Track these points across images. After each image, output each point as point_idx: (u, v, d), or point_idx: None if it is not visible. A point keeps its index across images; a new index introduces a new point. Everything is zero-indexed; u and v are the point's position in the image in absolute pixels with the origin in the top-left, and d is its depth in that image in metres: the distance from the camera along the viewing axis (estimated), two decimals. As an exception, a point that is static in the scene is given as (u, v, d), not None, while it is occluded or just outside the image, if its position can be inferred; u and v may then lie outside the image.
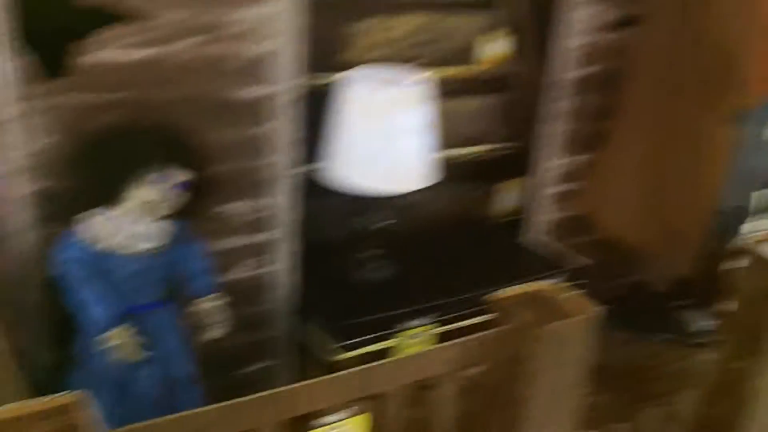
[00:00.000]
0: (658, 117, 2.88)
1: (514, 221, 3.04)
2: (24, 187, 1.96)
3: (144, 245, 1.90)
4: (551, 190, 2.98)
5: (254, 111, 2.19)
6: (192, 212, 1.96)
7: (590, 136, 2.98)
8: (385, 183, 2.22)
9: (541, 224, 3.01)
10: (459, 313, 2.36)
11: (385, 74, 2.26)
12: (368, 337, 2.22)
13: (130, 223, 1.88)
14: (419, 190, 2.29)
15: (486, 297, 1.55)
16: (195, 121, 2.06)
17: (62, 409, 1.13)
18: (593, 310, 1.51)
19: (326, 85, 2.35)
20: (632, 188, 2.97)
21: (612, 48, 2.88)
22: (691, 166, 2.83)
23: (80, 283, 1.86)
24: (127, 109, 2.00)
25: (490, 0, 2.66)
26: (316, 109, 2.32)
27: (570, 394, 1.56)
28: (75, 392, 1.16)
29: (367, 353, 2.22)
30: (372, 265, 2.41)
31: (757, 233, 2.20)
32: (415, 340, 2.30)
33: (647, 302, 3.33)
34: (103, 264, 1.88)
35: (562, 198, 3.02)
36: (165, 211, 1.89)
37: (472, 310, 2.34)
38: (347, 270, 2.39)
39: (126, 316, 1.90)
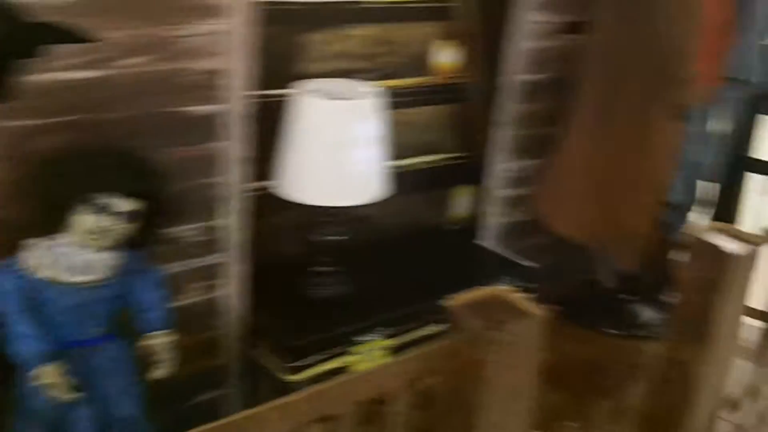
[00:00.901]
0: (606, 118, 2.93)
1: (469, 228, 3.07)
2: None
3: (85, 277, 1.81)
4: (503, 194, 3.01)
5: (204, 129, 2.17)
6: (142, 242, 1.89)
7: (540, 141, 3.02)
8: (339, 196, 2.22)
9: (495, 229, 3.05)
10: (413, 324, 2.37)
11: (337, 87, 2.26)
12: (322, 355, 2.21)
13: (71, 253, 1.80)
14: (374, 202, 2.30)
15: (439, 305, 1.57)
16: (143, 141, 2.02)
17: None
18: (542, 311, 1.53)
19: (279, 99, 2.35)
20: (581, 188, 3.02)
21: (560, 53, 2.94)
22: (639, 164, 2.89)
23: (14, 315, 1.77)
24: (74, 131, 1.95)
25: (442, 10, 2.68)
26: (268, 124, 2.31)
27: (524, 395, 1.58)
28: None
29: (323, 372, 2.21)
30: (326, 280, 2.40)
31: (700, 225, 2.27)
32: (371, 355, 2.30)
33: (598, 299, 3.38)
34: (41, 295, 1.79)
35: (515, 202, 3.06)
36: (109, 242, 1.81)
37: (427, 319, 2.36)
38: (300, 287, 2.39)
39: (64, 352, 1.81)
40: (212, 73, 2.15)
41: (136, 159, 1.84)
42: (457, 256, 2.85)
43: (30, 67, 1.89)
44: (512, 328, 1.46)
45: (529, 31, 2.79)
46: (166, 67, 2.08)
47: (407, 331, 2.38)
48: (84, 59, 1.96)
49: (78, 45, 1.86)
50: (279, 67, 2.38)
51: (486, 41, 2.83)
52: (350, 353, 2.27)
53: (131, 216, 1.81)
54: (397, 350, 2.34)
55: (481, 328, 1.46)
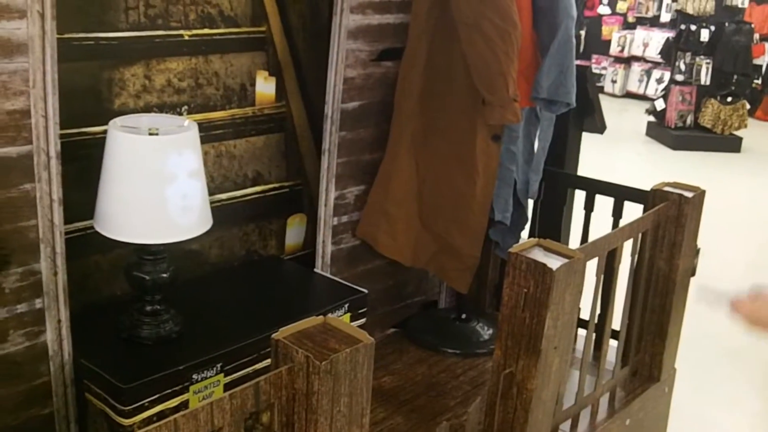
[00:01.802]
0: (427, 141, 3.01)
1: (303, 256, 3.06)
2: None
3: None
4: (334, 221, 3.03)
5: (16, 170, 2.07)
6: None
7: (366, 167, 3.06)
8: (161, 233, 2.16)
9: (329, 256, 3.05)
10: (247, 359, 2.34)
11: (153, 121, 2.21)
12: (154, 396, 2.14)
13: None
14: (200, 236, 2.25)
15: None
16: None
17: None
18: (368, 338, 1.53)
19: (94, 137, 2.28)
20: (407, 211, 3.08)
21: (378, 80, 2.99)
22: (462, 184, 2.97)
23: None
24: None
25: (260, 41, 2.68)
26: (86, 163, 2.23)
27: (358, 423, 1.58)
28: None
29: (158, 413, 2.14)
30: (155, 319, 2.33)
31: (523, 241, 2.35)
32: (209, 392, 2.25)
33: (436, 319, 3.45)
34: None
35: (346, 228, 3.08)
36: None
37: (260, 353, 2.33)
38: (129, 327, 2.30)
39: None
40: (15, 113, 2.06)
41: None
42: (292, 286, 2.84)
43: None
44: (338, 357, 1.46)
45: (346, 59, 2.83)
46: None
47: (242, 366, 2.33)
48: None
49: None
50: (91, 103, 2.31)
51: (306, 70, 2.86)
52: (187, 392, 2.21)
53: None
54: (237, 385, 2.29)
55: (307, 360, 1.45)
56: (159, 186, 2.11)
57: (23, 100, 2.07)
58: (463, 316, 3.38)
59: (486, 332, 3.33)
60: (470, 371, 3.10)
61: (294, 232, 3.04)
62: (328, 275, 2.96)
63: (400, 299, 3.43)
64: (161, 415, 2.14)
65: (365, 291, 2.70)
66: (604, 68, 12.45)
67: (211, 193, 2.35)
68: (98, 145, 2.16)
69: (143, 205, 2.11)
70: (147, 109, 2.43)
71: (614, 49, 12.38)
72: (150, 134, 2.13)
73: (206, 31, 2.53)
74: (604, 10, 12.63)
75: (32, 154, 2.12)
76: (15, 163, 2.09)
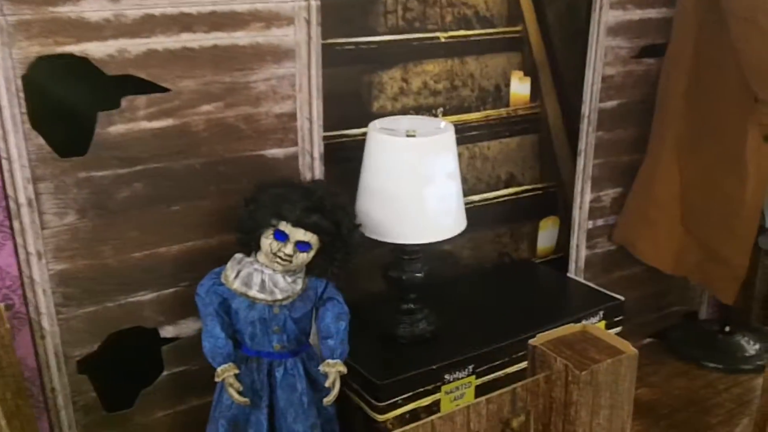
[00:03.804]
0: (693, 141, 2.84)
1: (556, 260, 3.00)
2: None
3: (267, 295, 1.97)
4: (589, 225, 2.94)
5: (277, 172, 2.18)
6: (323, 272, 2.03)
7: (624, 168, 2.94)
8: (420, 233, 2.18)
9: (583, 261, 2.97)
10: (499, 362, 2.31)
11: (412, 123, 2.24)
12: (408, 394, 2.17)
13: (258, 272, 1.98)
14: (454, 237, 2.25)
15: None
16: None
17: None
18: (631, 349, 1.45)
19: (352, 139, 2.36)
20: (670, 216, 2.92)
21: (639, 78, 2.87)
22: (731, 188, 2.77)
23: (209, 315, 1.98)
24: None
25: (516, 41, 2.65)
26: (343, 165, 2.31)
27: (618, 437, 1.50)
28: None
29: (410, 411, 2.17)
30: (409, 318, 2.34)
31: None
32: (456, 393, 2.25)
33: (697, 331, 3.25)
34: (233, 304, 1.98)
35: (602, 232, 2.98)
36: (290, 267, 1.96)
37: (512, 357, 2.30)
38: (384, 326, 2.34)
39: (248, 359, 2.02)
40: (285, 116, 2.17)
41: (317, 196, 1.96)
42: (545, 290, 2.78)
43: (112, 119, 1.96)
44: (599, 367, 1.39)
45: (605, 57, 2.74)
46: (242, 113, 2.12)
47: (497, 368, 2.31)
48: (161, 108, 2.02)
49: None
50: (352, 106, 2.38)
51: (562, 70, 2.78)
52: (439, 392, 2.22)
53: (305, 246, 1.95)
54: (488, 388, 2.28)
55: (566, 369, 1.39)
56: (417, 187, 2.13)
57: (290, 103, 2.17)
58: (727, 328, 3.16)
59: (752, 347, 3.09)
60: (734, 388, 2.89)
61: (546, 235, 2.97)
62: (582, 280, 2.87)
63: (658, 308, 3.26)
64: (413, 414, 2.16)
65: (622, 298, 2.58)
66: None
67: (464, 195, 2.35)
68: (359, 146, 2.22)
69: (401, 205, 2.14)
70: (404, 111, 2.47)
71: None
72: (408, 136, 2.15)
73: (462, 32, 2.53)
74: None
75: (297, 156, 2.23)
76: (282, 164, 2.20)
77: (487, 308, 2.57)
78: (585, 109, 2.77)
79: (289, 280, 1.99)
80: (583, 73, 2.75)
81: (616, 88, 2.82)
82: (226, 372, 1.95)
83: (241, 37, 2.08)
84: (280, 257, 1.94)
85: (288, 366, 2.04)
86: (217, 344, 1.96)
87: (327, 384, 2.00)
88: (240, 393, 1.96)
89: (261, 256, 1.98)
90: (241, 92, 2.12)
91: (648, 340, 3.20)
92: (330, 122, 2.30)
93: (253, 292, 1.97)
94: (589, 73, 2.73)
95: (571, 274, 2.92)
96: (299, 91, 2.18)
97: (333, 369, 2.00)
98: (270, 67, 2.13)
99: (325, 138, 2.29)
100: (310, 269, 2.02)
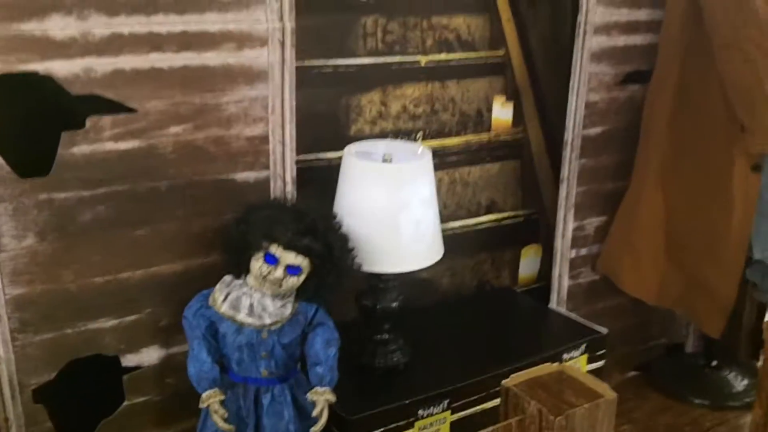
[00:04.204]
0: (678, 169, 2.79)
1: (537, 289, 2.93)
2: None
3: (255, 319, 1.91)
4: (572, 254, 2.88)
5: (247, 196, 2.11)
6: (313, 296, 1.97)
7: (608, 196, 2.89)
8: (395, 262, 2.11)
9: (565, 291, 2.90)
10: (475, 397, 2.23)
11: (388, 148, 2.18)
12: (379, 430, 2.09)
13: (247, 295, 1.93)
14: (432, 264, 2.18)
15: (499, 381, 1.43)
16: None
17: None
18: (610, 392, 1.37)
19: (327, 162, 2.31)
20: (655, 245, 2.86)
21: (623, 105, 2.83)
22: (717, 217, 2.71)
23: (195, 339, 1.92)
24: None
25: (498, 65, 2.59)
26: (316, 188, 2.24)
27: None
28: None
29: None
30: (382, 348, 2.27)
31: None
32: (430, 430, 2.17)
33: (683, 365, 3.18)
34: (220, 328, 1.92)
35: (583, 262, 2.92)
36: (280, 290, 1.90)
37: (488, 392, 2.22)
38: (356, 356, 2.27)
39: (234, 384, 1.95)
40: (257, 138, 2.12)
41: (310, 218, 1.91)
42: (526, 321, 2.71)
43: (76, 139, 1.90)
44: (575, 412, 1.31)
45: (589, 83, 2.70)
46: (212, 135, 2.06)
47: (473, 403, 2.23)
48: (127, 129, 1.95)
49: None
50: (328, 129, 2.32)
51: (545, 95, 2.73)
52: (412, 428, 2.14)
53: (295, 270, 1.89)
54: (463, 424, 2.20)
55: (539, 412, 1.31)
56: (392, 214, 2.07)
57: (262, 126, 2.12)
58: (714, 363, 3.09)
59: (740, 383, 3.02)
60: (721, 426, 2.82)
61: (528, 263, 2.91)
62: (564, 312, 2.80)
63: (642, 341, 3.19)
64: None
65: (605, 331, 2.51)
66: None
67: (443, 221, 2.28)
68: (334, 169, 2.15)
69: (376, 232, 2.07)
70: (382, 135, 2.41)
71: None
72: (384, 161, 2.09)
73: (443, 56, 2.48)
74: None
75: (269, 179, 2.17)
76: (252, 188, 2.14)
77: (464, 339, 2.50)
78: (568, 136, 2.72)
79: (279, 304, 1.93)
80: (566, 98, 2.69)
81: (599, 115, 2.77)
82: (211, 398, 1.88)
83: (211, 58, 2.01)
84: (268, 280, 1.88)
85: (275, 393, 1.98)
86: (203, 368, 1.89)
87: (314, 413, 1.93)
88: (225, 420, 1.88)
89: (251, 279, 1.93)
90: (211, 114, 2.05)
91: (631, 373, 3.13)
92: (306, 145, 2.24)
93: (241, 316, 1.91)
94: (573, 99, 2.68)
95: (553, 305, 2.85)
96: (272, 113, 2.12)
97: (321, 397, 1.93)
98: (242, 88, 2.07)
99: (299, 161, 2.22)
100: (300, 293, 1.96)
